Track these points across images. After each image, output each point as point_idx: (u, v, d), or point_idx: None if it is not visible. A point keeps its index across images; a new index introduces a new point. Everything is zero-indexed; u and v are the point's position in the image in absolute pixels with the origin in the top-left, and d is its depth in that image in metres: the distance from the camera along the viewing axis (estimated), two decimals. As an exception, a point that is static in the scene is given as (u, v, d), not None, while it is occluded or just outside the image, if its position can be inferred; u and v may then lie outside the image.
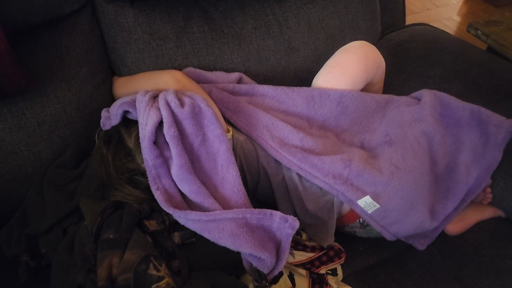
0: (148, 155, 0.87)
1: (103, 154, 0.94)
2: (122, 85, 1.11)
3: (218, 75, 1.14)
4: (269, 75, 1.23)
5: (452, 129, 1.07)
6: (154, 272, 0.78)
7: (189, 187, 0.88)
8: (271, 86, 1.12)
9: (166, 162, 0.89)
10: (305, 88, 1.12)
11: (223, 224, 0.84)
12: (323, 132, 1.10)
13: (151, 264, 0.79)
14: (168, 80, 1.03)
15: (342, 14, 1.28)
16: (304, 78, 1.26)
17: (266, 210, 0.88)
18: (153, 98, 0.93)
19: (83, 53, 1.06)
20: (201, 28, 1.14)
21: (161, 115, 0.88)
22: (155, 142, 0.88)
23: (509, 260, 1.01)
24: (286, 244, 0.88)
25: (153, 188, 0.87)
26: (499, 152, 1.03)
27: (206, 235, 0.85)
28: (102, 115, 0.97)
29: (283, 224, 0.87)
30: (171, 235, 0.88)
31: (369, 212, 0.96)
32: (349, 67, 1.11)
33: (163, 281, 0.77)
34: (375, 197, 0.95)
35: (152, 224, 0.88)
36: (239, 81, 1.17)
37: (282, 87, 1.12)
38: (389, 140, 1.03)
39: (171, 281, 0.78)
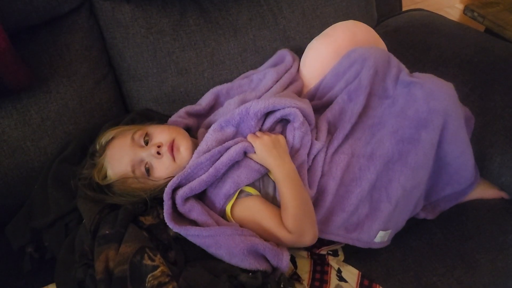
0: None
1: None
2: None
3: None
4: (266, 64, 1.24)
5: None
6: (149, 262, 0.80)
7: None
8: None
9: None
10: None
11: (221, 240, 0.86)
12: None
13: (145, 255, 0.80)
14: None
15: (336, 2, 1.29)
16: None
17: (277, 248, 0.88)
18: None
19: (83, 49, 1.09)
20: (196, 21, 1.16)
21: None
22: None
23: (510, 234, 1.01)
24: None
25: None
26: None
27: (209, 250, 0.88)
28: None
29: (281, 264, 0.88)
30: (167, 228, 0.89)
31: (385, 240, 0.99)
32: (334, 34, 1.19)
33: (158, 270, 0.79)
34: (385, 227, 0.97)
35: (147, 219, 0.90)
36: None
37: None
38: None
39: (166, 269, 0.80)
